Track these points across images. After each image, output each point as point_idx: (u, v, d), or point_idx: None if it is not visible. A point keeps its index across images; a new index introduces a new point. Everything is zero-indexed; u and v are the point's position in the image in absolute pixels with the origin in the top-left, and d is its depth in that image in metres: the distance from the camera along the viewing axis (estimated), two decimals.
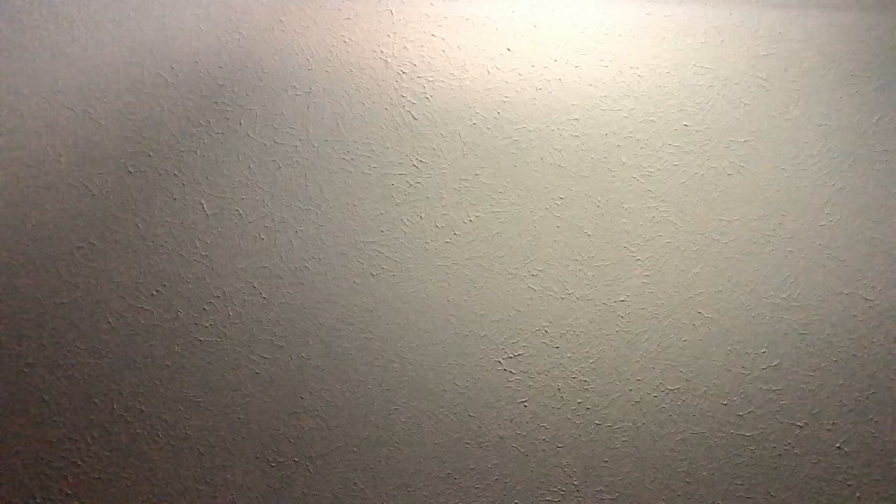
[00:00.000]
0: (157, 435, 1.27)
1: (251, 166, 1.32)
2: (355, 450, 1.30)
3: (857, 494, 1.35)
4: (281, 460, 1.28)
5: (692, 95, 1.39)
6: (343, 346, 1.31)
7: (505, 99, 1.36)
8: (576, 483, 1.32)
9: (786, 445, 1.35)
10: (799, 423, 1.35)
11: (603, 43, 1.38)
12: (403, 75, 1.35)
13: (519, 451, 1.32)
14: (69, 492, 1.24)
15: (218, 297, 1.29)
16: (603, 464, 1.33)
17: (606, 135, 1.37)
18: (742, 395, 1.35)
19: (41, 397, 1.25)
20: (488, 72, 1.36)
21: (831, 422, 1.35)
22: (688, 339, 1.35)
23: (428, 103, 1.35)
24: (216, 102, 1.32)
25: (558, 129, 1.37)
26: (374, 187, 1.33)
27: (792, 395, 1.35)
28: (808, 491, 1.34)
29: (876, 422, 1.36)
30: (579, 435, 1.33)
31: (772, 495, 1.34)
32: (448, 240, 1.34)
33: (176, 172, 1.30)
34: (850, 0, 1.43)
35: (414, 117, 1.35)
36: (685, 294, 1.36)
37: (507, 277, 1.34)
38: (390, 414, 1.30)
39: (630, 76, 1.38)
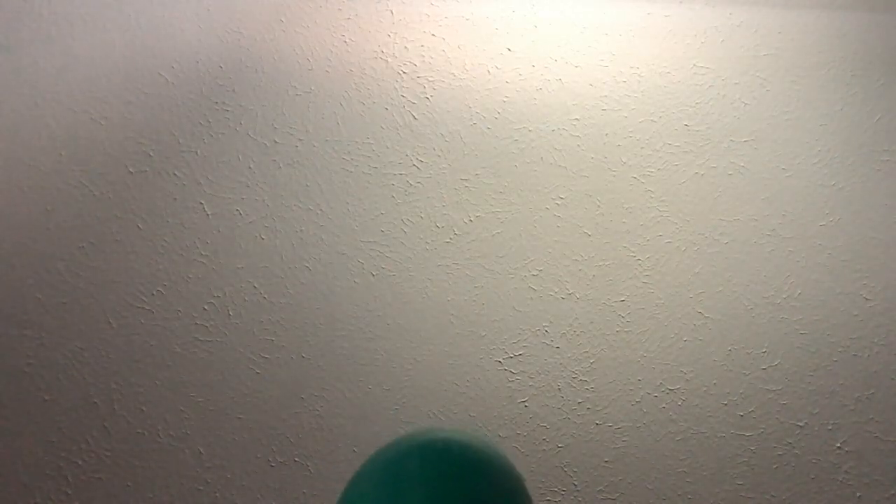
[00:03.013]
0: (157, 435, 1.27)
1: (251, 166, 1.32)
2: (355, 450, 1.30)
3: (858, 494, 1.35)
4: (281, 460, 1.28)
5: (692, 95, 1.39)
6: (343, 346, 1.31)
7: (505, 99, 1.36)
8: (576, 483, 1.32)
9: (786, 445, 1.35)
10: (799, 423, 1.35)
11: (603, 43, 1.38)
12: (403, 75, 1.35)
13: (519, 451, 1.32)
14: (69, 492, 1.24)
15: (218, 297, 1.29)
16: (603, 464, 1.33)
17: (606, 135, 1.37)
18: (742, 395, 1.35)
19: (41, 397, 1.25)
20: (488, 72, 1.36)
21: (831, 422, 1.35)
22: (688, 339, 1.35)
23: (428, 103, 1.35)
24: (216, 102, 1.32)
25: (558, 129, 1.37)
26: (374, 187, 1.33)
27: (792, 395, 1.35)
28: (808, 491, 1.34)
29: (876, 422, 1.36)
30: (579, 435, 1.33)
31: (772, 495, 1.34)
32: (448, 240, 1.34)
33: (176, 172, 1.30)
34: (850, 0, 1.43)
35: (414, 117, 1.35)
36: (685, 294, 1.36)
37: (507, 277, 1.34)
38: (390, 414, 1.30)
39: (630, 76, 1.38)
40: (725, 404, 1.35)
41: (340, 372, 1.30)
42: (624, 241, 1.36)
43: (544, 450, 1.32)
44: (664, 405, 1.34)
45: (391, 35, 1.36)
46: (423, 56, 1.36)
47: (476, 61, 1.36)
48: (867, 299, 1.37)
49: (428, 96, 1.35)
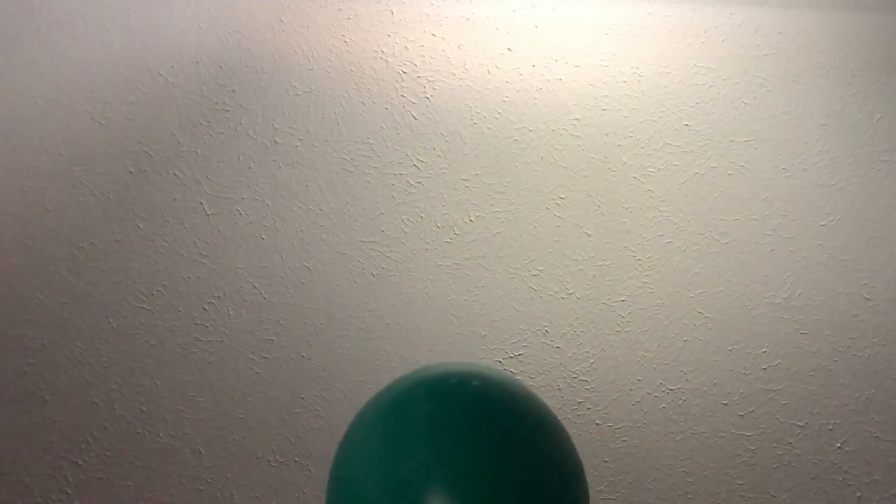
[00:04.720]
0: (158, 435, 1.27)
1: (251, 166, 1.32)
2: None
3: (858, 494, 1.35)
4: (281, 460, 1.28)
5: (692, 95, 1.39)
6: (343, 346, 1.31)
7: (505, 99, 1.36)
8: None
9: (786, 445, 1.35)
10: (799, 423, 1.35)
11: (603, 43, 1.38)
12: (403, 75, 1.35)
13: None
14: (69, 492, 1.24)
15: (218, 297, 1.29)
16: (603, 464, 1.33)
17: (607, 135, 1.37)
18: (742, 395, 1.35)
19: (41, 397, 1.25)
20: (489, 72, 1.36)
21: (831, 422, 1.35)
22: (688, 339, 1.35)
23: (428, 103, 1.35)
24: (216, 102, 1.32)
25: (558, 129, 1.37)
26: (374, 187, 1.33)
27: (792, 395, 1.35)
28: (808, 491, 1.34)
29: (876, 422, 1.36)
30: (579, 435, 1.33)
31: (772, 495, 1.34)
32: (448, 240, 1.34)
33: (176, 172, 1.30)
34: (850, 0, 1.43)
35: (414, 117, 1.35)
36: (685, 294, 1.36)
37: (507, 277, 1.34)
38: None
39: (630, 76, 1.38)
40: (725, 404, 1.35)
41: (340, 372, 1.30)
42: (624, 241, 1.36)
43: None
44: (664, 405, 1.34)
45: (391, 35, 1.36)
46: (424, 56, 1.36)
47: (476, 61, 1.36)
48: (867, 299, 1.37)
49: (428, 96, 1.35)
